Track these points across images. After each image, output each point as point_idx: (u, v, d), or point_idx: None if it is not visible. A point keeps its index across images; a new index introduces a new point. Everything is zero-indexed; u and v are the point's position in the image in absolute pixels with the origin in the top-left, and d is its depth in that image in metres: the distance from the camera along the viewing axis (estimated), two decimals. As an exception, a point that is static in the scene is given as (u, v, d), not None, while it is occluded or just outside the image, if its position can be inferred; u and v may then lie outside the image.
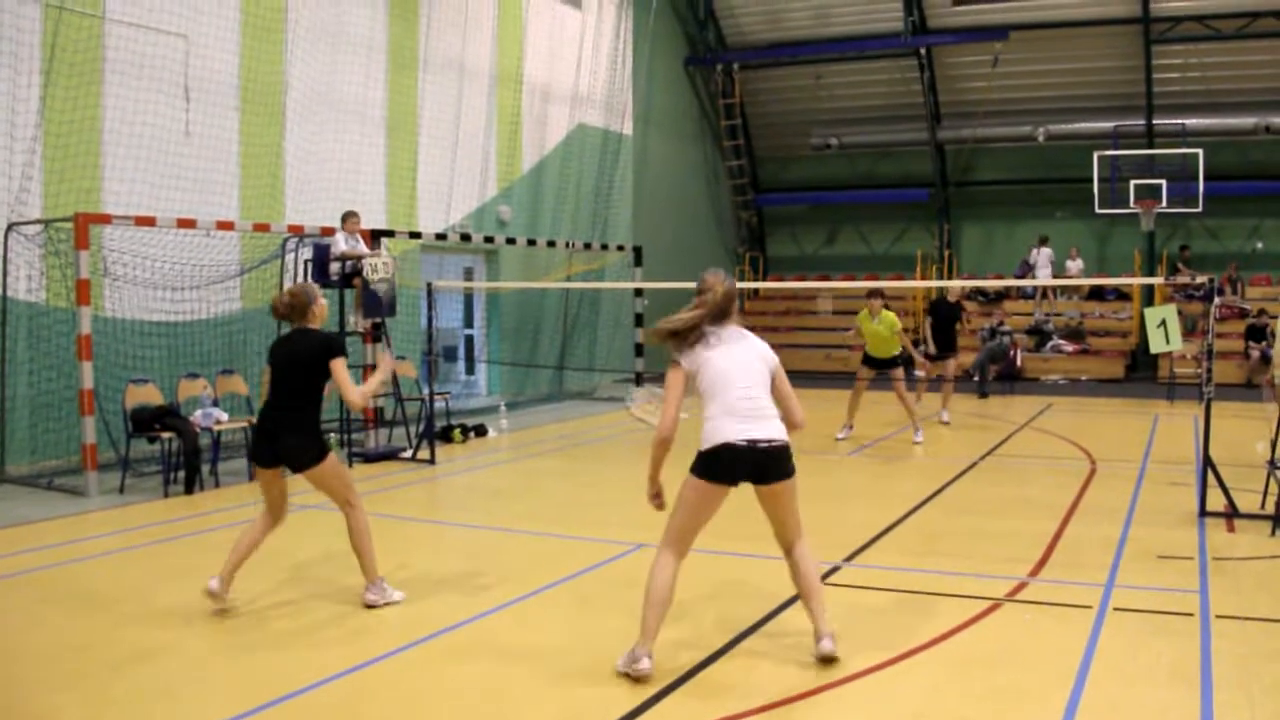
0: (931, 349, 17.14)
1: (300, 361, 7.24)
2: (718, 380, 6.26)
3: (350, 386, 7.16)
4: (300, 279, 14.83)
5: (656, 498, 6.46)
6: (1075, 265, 26.18)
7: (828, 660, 6.16)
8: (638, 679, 5.93)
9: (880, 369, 15.33)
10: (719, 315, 6.45)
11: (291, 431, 7.19)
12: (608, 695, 5.80)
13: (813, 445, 14.60)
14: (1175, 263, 25.72)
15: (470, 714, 5.68)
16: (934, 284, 27.33)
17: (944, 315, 17.20)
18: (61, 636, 6.82)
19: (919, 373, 16.88)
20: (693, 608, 7.44)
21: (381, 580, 7.45)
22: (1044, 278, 25.54)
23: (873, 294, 15.14)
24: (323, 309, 7.53)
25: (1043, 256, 26.14)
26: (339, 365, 7.20)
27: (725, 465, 6.16)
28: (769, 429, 6.23)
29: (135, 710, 5.67)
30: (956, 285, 18.06)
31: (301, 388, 7.24)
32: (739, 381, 6.24)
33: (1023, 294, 27.03)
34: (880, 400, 19.72)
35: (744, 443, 6.12)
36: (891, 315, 15.00)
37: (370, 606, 7.32)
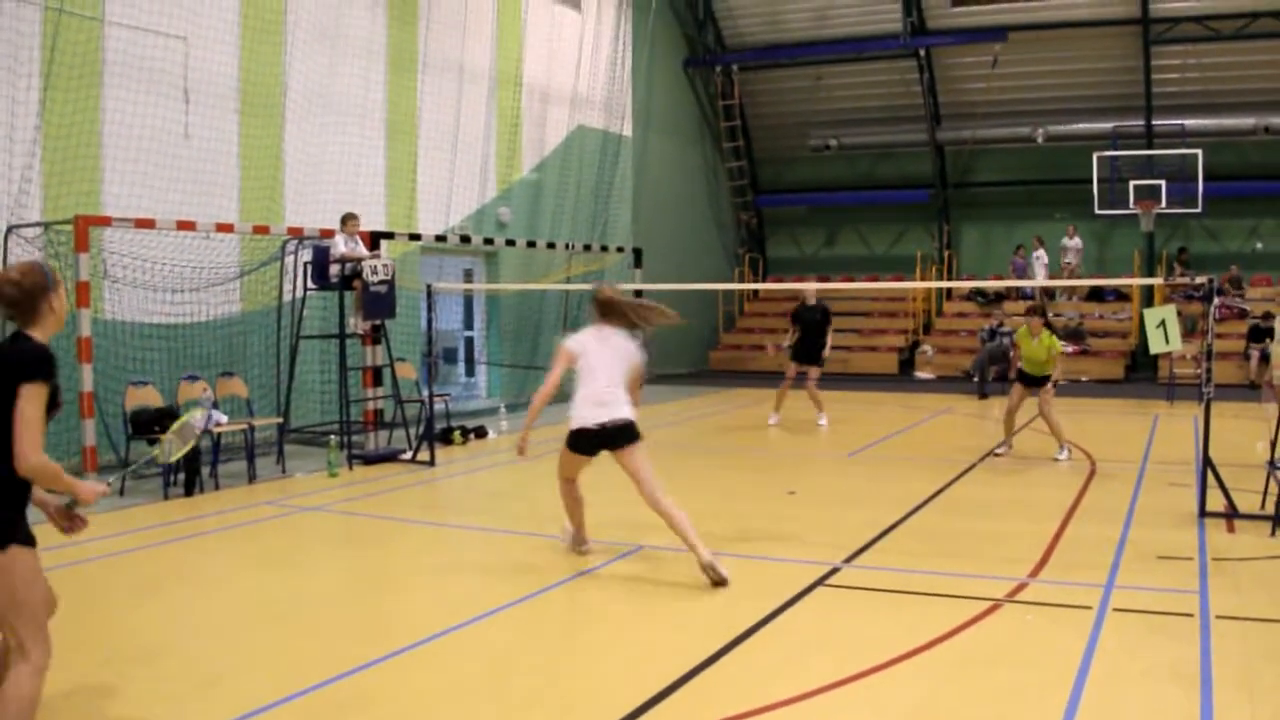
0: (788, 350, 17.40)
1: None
2: (590, 370, 8.47)
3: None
4: (300, 281, 14.86)
5: (521, 450, 8.69)
6: (1073, 244, 26.20)
7: (719, 583, 7.77)
8: (583, 554, 8.69)
9: (1030, 385, 13.84)
10: (605, 317, 8.80)
11: None
12: (607, 696, 5.80)
13: (828, 449, 14.58)
14: (1173, 264, 25.73)
15: (471, 715, 5.68)
16: (934, 285, 27.41)
17: (806, 321, 17.15)
18: (59, 638, 6.80)
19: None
20: (692, 609, 7.45)
21: None
22: (1041, 278, 25.59)
23: (1031, 311, 13.95)
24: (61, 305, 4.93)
25: (1038, 263, 26.19)
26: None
27: (584, 442, 8.47)
28: (617, 412, 8.36)
29: (135, 712, 5.67)
30: (812, 288, 17.99)
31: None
32: (603, 376, 8.43)
33: (1021, 295, 27.04)
34: (881, 402, 19.75)
35: (595, 426, 8.32)
36: (1052, 339, 13.63)
37: None
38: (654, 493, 8.32)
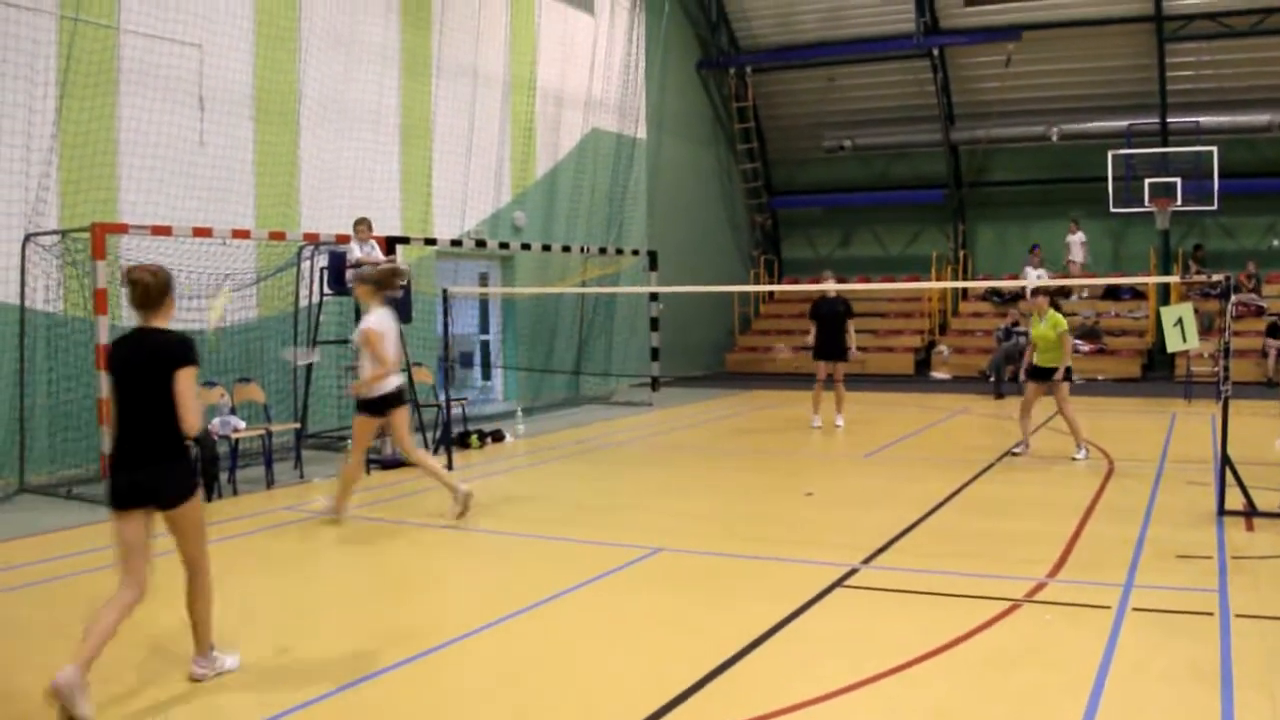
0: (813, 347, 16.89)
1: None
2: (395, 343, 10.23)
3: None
4: (316, 286, 14.90)
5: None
6: (1076, 239, 26.11)
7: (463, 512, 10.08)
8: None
9: (1042, 379, 13.85)
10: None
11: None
12: (626, 699, 5.81)
13: (842, 452, 14.56)
14: (1188, 261, 25.63)
15: (489, 718, 5.69)
16: (949, 285, 27.34)
17: (825, 315, 16.71)
18: (73, 646, 6.84)
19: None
20: (710, 611, 7.46)
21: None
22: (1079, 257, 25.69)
23: (1035, 292, 14.14)
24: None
25: (1077, 242, 26.14)
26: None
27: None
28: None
29: (151, 716, 5.69)
30: (832, 286, 17.09)
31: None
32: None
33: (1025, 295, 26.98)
34: (898, 402, 19.74)
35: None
36: (1058, 315, 13.70)
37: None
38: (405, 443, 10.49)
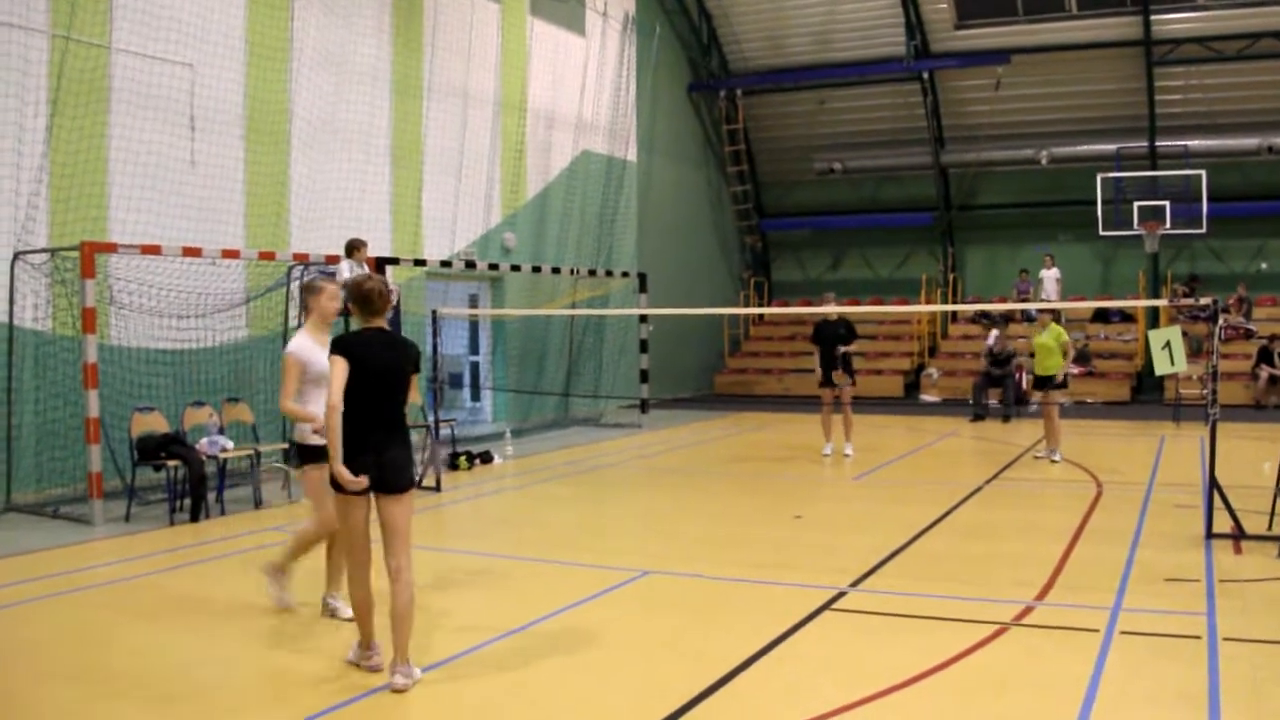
0: (818, 376, 16.22)
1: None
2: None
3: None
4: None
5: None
6: (1051, 274, 26.03)
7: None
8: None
9: (1043, 388, 15.36)
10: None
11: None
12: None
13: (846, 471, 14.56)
14: (1175, 287, 25.63)
15: (475, 741, 5.68)
16: (939, 308, 27.37)
17: (828, 338, 16.13)
18: (65, 666, 6.82)
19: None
20: (698, 634, 7.44)
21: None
22: (1053, 293, 25.69)
23: (1042, 312, 15.74)
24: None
25: (1050, 278, 26.14)
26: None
27: None
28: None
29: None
30: (833, 310, 16.25)
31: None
32: None
33: (1026, 316, 27.00)
34: (887, 425, 19.75)
35: None
36: (1059, 328, 15.24)
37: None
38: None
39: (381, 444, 6.40)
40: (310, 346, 7.44)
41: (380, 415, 6.47)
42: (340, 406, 6.26)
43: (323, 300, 7.70)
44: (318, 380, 7.24)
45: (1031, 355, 15.67)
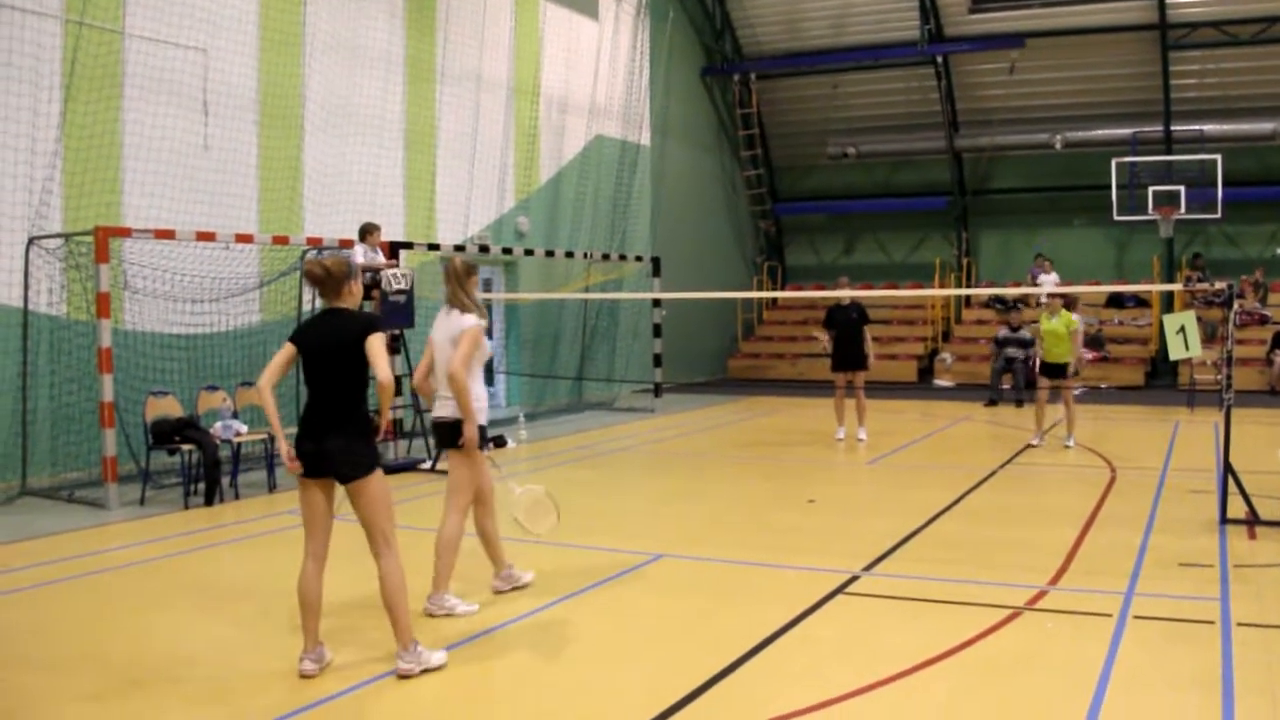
0: (825, 345, 16.26)
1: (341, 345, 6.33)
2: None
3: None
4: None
5: None
6: (1050, 279, 25.19)
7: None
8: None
9: (1055, 376, 15.07)
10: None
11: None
12: (628, 705, 5.80)
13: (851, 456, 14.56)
14: (1190, 267, 25.47)
15: (489, 724, 5.70)
16: (952, 292, 27.30)
17: (841, 323, 16.04)
18: (82, 647, 6.86)
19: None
20: (712, 618, 7.45)
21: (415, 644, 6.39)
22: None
23: (1052, 295, 15.27)
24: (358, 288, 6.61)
25: (1048, 282, 25.84)
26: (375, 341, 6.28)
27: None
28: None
29: (156, 721, 5.71)
30: (846, 293, 16.22)
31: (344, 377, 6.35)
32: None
33: (1040, 302, 26.91)
34: (900, 410, 19.72)
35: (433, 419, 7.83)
36: (1070, 314, 14.87)
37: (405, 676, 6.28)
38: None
39: (319, 430, 6.29)
40: None
41: (319, 400, 6.39)
42: (264, 386, 6.42)
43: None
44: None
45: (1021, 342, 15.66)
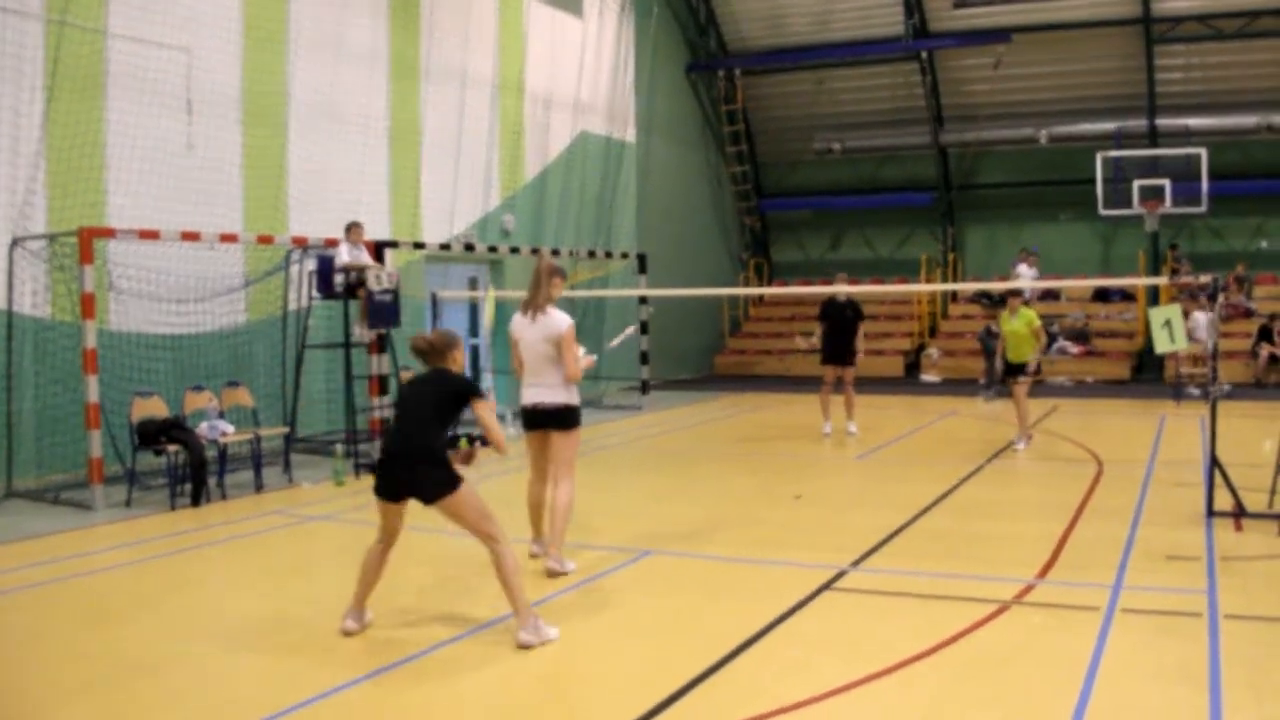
0: (815, 343, 16.24)
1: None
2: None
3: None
4: (305, 291, 14.88)
5: None
6: (1030, 273, 25.30)
7: (553, 574, 8.32)
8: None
9: (1012, 374, 14.62)
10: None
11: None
12: (616, 701, 5.80)
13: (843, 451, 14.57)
14: (1173, 261, 25.54)
15: (478, 722, 5.69)
16: (939, 287, 27.33)
17: (835, 319, 16.10)
18: (69, 648, 6.83)
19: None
20: (700, 613, 7.45)
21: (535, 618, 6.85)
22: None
23: (1013, 293, 14.92)
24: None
25: (1026, 274, 25.88)
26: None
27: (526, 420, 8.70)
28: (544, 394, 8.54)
29: (143, 722, 5.69)
30: (843, 289, 16.31)
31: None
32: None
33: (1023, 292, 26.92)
34: (887, 405, 19.75)
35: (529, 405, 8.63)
36: (1030, 312, 14.50)
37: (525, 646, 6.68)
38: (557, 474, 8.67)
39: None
40: None
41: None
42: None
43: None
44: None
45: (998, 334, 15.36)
